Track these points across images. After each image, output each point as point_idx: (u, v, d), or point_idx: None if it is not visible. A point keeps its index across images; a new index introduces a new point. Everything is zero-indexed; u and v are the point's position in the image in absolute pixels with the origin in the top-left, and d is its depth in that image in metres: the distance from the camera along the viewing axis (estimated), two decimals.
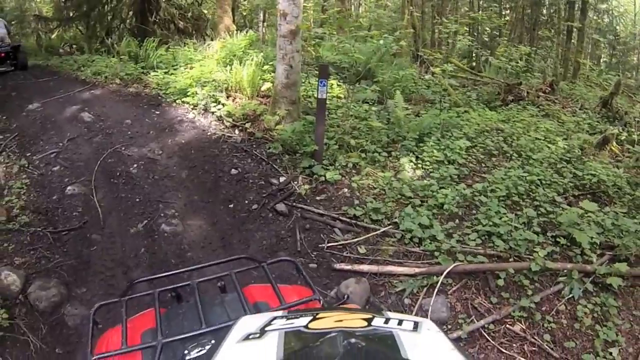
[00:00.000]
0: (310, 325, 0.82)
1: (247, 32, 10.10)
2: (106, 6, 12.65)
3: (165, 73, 8.36)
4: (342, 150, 4.95)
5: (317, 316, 0.87)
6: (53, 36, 14.05)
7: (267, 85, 6.45)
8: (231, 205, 4.57)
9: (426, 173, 4.67)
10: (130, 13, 12.87)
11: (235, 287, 1.37)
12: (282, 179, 4.79)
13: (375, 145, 5.03)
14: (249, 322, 0.89)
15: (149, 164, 5.27)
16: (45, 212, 4.57)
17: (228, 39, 9.51)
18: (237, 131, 5.93)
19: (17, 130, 6.57)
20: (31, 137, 6.25)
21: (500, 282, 3.29)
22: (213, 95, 6.58)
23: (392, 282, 3.42)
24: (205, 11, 13.73)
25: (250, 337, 0.81)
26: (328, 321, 0.84)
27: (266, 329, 0.83)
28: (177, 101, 7.03)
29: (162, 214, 4.40)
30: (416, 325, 0.84)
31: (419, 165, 4.80)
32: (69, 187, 4.83)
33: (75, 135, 6.05)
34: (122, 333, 1.24)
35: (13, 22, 14.04)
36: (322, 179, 4.61)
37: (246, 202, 4.59)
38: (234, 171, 5.07)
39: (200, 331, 1.17)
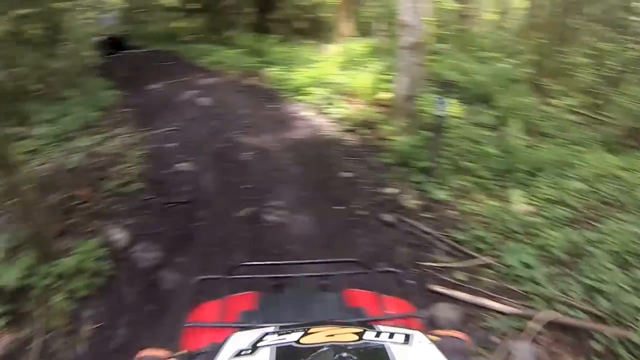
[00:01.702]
0: (301, 341, 0.93)
1: (368, 39, 11.14)
2: (228, 0, 14.99)
3: (283, 70, 9.44)
4: (453, 172, 5.36)
5: (309, 331, 0.98)
6: (178, 25, 16.86)
7: (385, 94, 7.09)
8: (340, 207, 5.02)
9: (535, 209, 4.86)
10: (251, 10, 14.95)
11: (341, 288, 1.57)
12: (392, 190, 5.26)
13: (487, 172, 5.36)
14: (241, 339, 1.01)
15: (262, 155, 6.03)
16: (158, 182, 5.56)
17: (348, 43, 10.65)
18: (351, 135, 6.61)
19: (139, 107, 8.04)
20: (151, 113, 7.61)
21: (597, 347, 3.25)
22: (330, 97, 7.41)
23: (484, 316, 3.63)
24: (326, 14, 15.27)
25: (242, 353, 0.92)
26: (319, 336, 0.95)
27: (258, 345, 0.94)
28: (294, 98, 7.94)
29: (268, 204, 5.00)
30: (407, 338, 0.95)
31: (529, 200, 5.00)
32: (182, 164, 5.76)
33: (192, 117, 7.17)
34: (221, 308, 1.48)
35: (141, 10, 17.34)
36: (432, 196, 5.05)
37: (354, 206, 5.03)
38: (346, 174, 5.62)
39: (297, 324, 1.30)
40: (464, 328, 3.55)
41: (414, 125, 6.09)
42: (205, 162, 5.85)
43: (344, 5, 12.39)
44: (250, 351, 0.92)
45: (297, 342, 0.93)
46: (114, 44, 13.03)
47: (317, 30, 14.71)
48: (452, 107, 6.83)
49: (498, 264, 4.11)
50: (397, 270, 1.71)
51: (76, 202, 5.13)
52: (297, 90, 8.08)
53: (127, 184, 5.42)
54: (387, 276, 1.62)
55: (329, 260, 1.80)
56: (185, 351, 1.14)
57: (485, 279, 3.99)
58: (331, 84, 7.88)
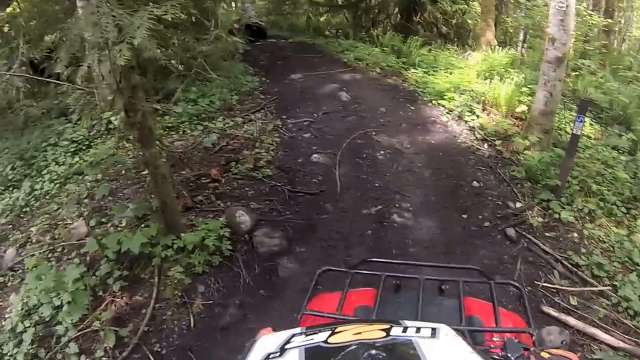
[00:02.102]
0: (329, 340, 0.96)
1: (508, 49, 10.77)
2: (374, 0, 15.18)
3: (425, 72, 9.41)
4: (581, 193, 5.34)
5: (336, 330, 1.01)
6: (321, 19, 17.55)
7: (522, 107, 6.94)
8: (464, 216, 5.03)
9: None
10: (396, 10, 14.91)
11: (459, 295, 1.59)
12: (518, 205, 5.24)
13: (616, 198, 5.32)
14: (268, 341, 1.03)
15: (395, 155, 6.02)
16: (288, 171, 5.82)
17: (489, 52, 10.48)
18: (485, 145, 6.40)
19: (278, 95, 8.51)
20: (289, 103, 8.00)
21: None
22: (469, 104, 7.23)
23: (592, 346, 3.63)
24: (469, 21, 15.04)
25: (271, 356, 0.93)
26: (347, 335, 0.98)
27: (286, 347, 0.97)
28: (433, 102, 7.78)
29: (396, 205, 5.05)
30: (434, 332, 0.97)
31: None
32: (314, 155, 5.97)
33: (330, 110, 7.37)
34: (340, 301, 1.55)
35: (287, 2, 18.40)
36: (556, 216, 5.02)
37: (479, 217, 5.03)
38: (475, 184, 5.53)
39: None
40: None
41: (548, 142, 6.11)
42: (337, 156, 5.97)
43: (488, 13, 12.22)
44: (278, 354, 0.94)
45: (325, 342, 0.95)
46: (255, 33, 13.81)
47: (460, 36, 14.61)
48: (588, 127, 7.03)
49: (614, 295, 4.10)
50: (517, 284, 1.74)
51: (207, 180, 5.56)
52: (437, 94, 7.94)
53: (258, 169, 5.73)
54: (506, 289, 1.75)
55: (451, 265, 1.91)
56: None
57: (598, 308, 3.99)
58: (470, 91, 7.77)
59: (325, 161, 5.94)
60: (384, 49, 11.22)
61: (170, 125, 6.92)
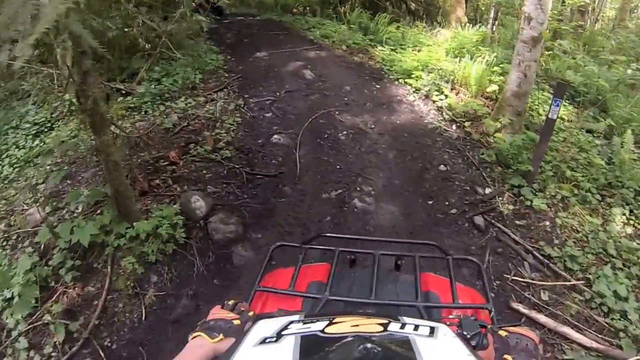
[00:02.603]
0: (326, 330, 0.94)
1: (479, 27, 10.59)
2: None
3: (392, 50, 9.13)
4: (554, 179, 5.15)
5: (334, 321, 0.99)
6: None
7: (493, 87, 6.66)
8: (430, 202, 4.81)
9: (637, 233, 4.60)
10: None
11: (415, 270, 1.56)
12: (487, 191, 5.02)
13: (591, 184, 5.13)
14: (266, 326, 1.04)
15: (359, 135, 5.78)
16: (247, 152, 5.54)
17: (459, 30, 10.23)
18: (454, 127, 6.18)
19: (242, 73, 8.14)
20: (252, 81, 7.65)
21: None
22: (438, 84, 6.98)
23: (563, 345, 3.49)
24: None
25: (267, 341, 0.93)
26: (344, 326, 0.96)
27: (283, 332, 0.96)
28: (400, 80, 7.54)
29: (358, 188, 4.83)
30: (432, 331, 0.96)
31: (632, 222, 4.78)
32: (275, 136, 5.70)
33: (293, 89, 7.06)
34: (293, 277, 1.54)
35: None
36: (528, 203, 4.82)
37: (446, 203, 4.83)
38: (442, 167, 5.30)
39: (367, 301, 1.38)
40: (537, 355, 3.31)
41: (520, 124, 5.87)
42: (298, 137, 5.71)
43: None
44: (275, 339, 0.93)
45: (322, 331, 0.94)
46: (213, 11, 13.34)
47: (429, 13, 14.26)
48: (563, 109, 6.62)
49: (587, 290, 3.98)
50: (475, 260, 1.68)
51: (165, 163, 5.28)
52: (404, 73, 7.68)
53: (217, 151, 5.47)
54: (464, 265, 1.65)
55: (408, 240, 1.89)
56: (251, 314, 1.20)
57: (570, 304, 3.87)
58: (439, 70, 7.49)
59: (286, 142, 5.66)
60: (351, 26, 10.87)
61: (132, 105, 6.56)
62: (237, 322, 1.17)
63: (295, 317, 1.10)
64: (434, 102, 6.74)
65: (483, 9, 14.66)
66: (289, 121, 6.17)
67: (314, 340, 0.92)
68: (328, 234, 1.93)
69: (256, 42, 10.43)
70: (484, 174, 5.26)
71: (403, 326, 0.98)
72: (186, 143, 5.67)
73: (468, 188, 5.02)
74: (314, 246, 1.80)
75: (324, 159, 5.34)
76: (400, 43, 9.54)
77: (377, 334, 0.92)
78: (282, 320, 1.07)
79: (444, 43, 9.34)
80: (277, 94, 6.99)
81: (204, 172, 5.16)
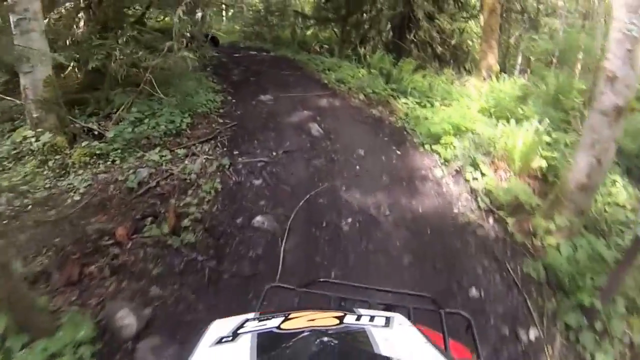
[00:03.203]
0: (282, 326, 0.95)
1: (516, 77, 9.14)
2: (365, 14, 13.36)
3: (418, 103, 7.79)
4: (629, 316, 3.49)
5: (289, 317, 1.00)
6: (308, 33, 15.87)
7: (541, 162, 5.04)
8: None
9: None
10: (389, 26, 13.25)
11: (409, 320, 1.35)
12: (532, 335, 3.38)
13: None
14: (221, 326, 1.02)
15: (367, 225, 4.32)
16: (219, 237, 4.12)
17: (493, 80, 8.83)
18: (491, 220, 4.62)
19: (238, 120, 6.82)
20: (248, 132, 6.29)
21: None
22: (472, 156, 5.47)
23: None
24: (469, 42, 13.48)
25: (223, 340, 0.92)
26: (300, 321, 0.96)
27: (239, 331, 0.95)
28: (425, 146, 6.11)
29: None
30: (388, 321, 0.99)
31: None
32: (258, 217, 4.25)
33: (294, 147, 5.70)
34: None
35: (275, 13, 16.80)
36: (588, 358, 3.26)
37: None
38: (473, 292, 3.70)
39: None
40: None
41: (580, 225, 4.19)
42: (289, 221, 4.28)
43: (491, 33, 10.48)
44: (231, 338, 0.92)
45: (278, 327, 0.93)
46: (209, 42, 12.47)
47: (456, 58, 13.04)
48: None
49: None
50: (465, 315, 1.51)
51: (109, 242, 3.96)
52: (431, 136, 6.20)
53: (176, 233, 4.09)
54: (456, 320, 1.45)
55: (403, 291, 1.74)
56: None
57: None
58: (474, 135, 5.95)
59: (271, 227, 4.22)
60: (372, 71, 9.56)
61: (99, 152, 5.24)
62: None
63: (251, 315, 1.06)
64: (466, 181, 5.24)
65: (514, 55, 13.36)
66: (281, 195, 4.74)
67: (271, 336, 0.90)
68: (325, 279, 1.82)
69: (263, 82, 9.22)
70: (529, 303, 3.66)
71: (359, 318, 0.98)
72: (143, 215, 4.31)
73: (507, 331, 3.40)
74: (310, 290, 1.63)
75: (316, 259, 3.85)
76: (427, 95, 8.16)
77: (333, 327, 0.91)
78: (238, 319, 1.03)
79: (478, 98, 7.93)
80: (274, 153, 5.60)
81: (154, 263, 3.77)
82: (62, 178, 4.95)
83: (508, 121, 5.82)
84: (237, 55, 13.01)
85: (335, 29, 14.10)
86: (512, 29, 13.95)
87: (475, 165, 5.33)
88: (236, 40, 16.69)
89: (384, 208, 4.60)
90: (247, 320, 1.02)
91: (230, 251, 3.96)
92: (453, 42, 13.06)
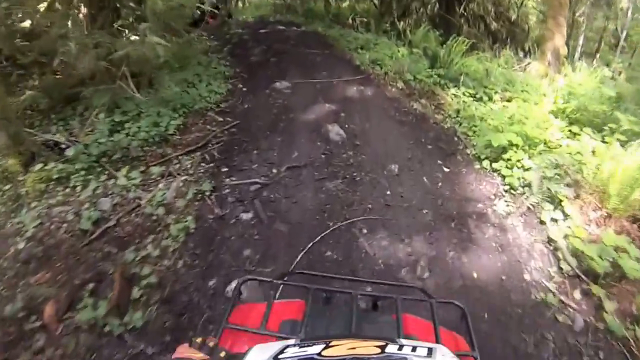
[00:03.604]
0: (323, 353, 0.92)
1: (597, 67, 7.24)
2: None
3: (472, 96, 6.08)
4: None
5: (330, 344, 0.96)
6: (343, 5, 14.06)
7: None
8: None
9: None
10: None
11: (397, 312, 1.35)
12: None
13: None
14: (261, 351, 0.98)
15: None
16: (181, 312, 2.83)
17: (567, 70, 7.10)
18: (577, 294, 2.97)
19: (241, 119, 5.38)
20: (248, 137, 4.84)
21: None
22: (548, 182, 3.69)
23: None
24: (530, 17, 11.35)
25: None
26: (341, 349, 0.93)
27: (279, 356, 0.92)
28: (484, 161, 4.41)
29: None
30: (430, 352, 0.94)
31: None
32: (232, 283, 2.91)
33: (303, 161, 4.21)
34: (265, 315, 1.32)
35: None
36: None
37: None
38: None
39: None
40: None
41: None
42: (277, 291, 2.85)
43: (559, 8, 8.37)
44: None
45: (319, 354, 0.91)
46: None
47: (513, 37, 10.98)
48: None
49: None
50: (460, 305, 1.42)
51: (35, 324, 2.77)
52: (491, 148, 4.47)
53: (127, 306, 2.85)
54: (449, 310, 1.36)
55: (389, 282, 1.59)
56: (223, 354, 1.06)
57: None
58: (550, 149, 4.24)
59: (254, 296, 2.80)
60: (414, 50, 7.83)
61: (59, 175, 4.02)
62: None
63: (292, 341, 1.03)
64: (541, 222, 3.56)
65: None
66: (275, 240, 3.29)
67: None
68: (303, 271, 1.65)
69: (285, 64, 7.75)
70: None
71: (401, 348, 0.94)
72: (82, 281, 3.05)
73: None
74: (287, 282, 1.50)
75: None
76: (483, 84, 6.39)
77: (374, 356, 0.89)
78: (278, 345, 0.99)
79: (549, 92, 6.13)
80: (275, 170, 4.13)
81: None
82: (14, 214, 3.75)
83: (597, 133, 4.09)
84: (262, 31, 11.50)
85: (375, 1, 12.26)
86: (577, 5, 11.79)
87: (554, 201, 3.63)
88: (266, 14, 15.11)
89: (421, 267, 3.05)
90: (288, 346, 0.97)
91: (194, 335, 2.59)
92: (513, 16, 11.02)
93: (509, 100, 5.83)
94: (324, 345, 0.95)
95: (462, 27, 10.32)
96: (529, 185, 3.79)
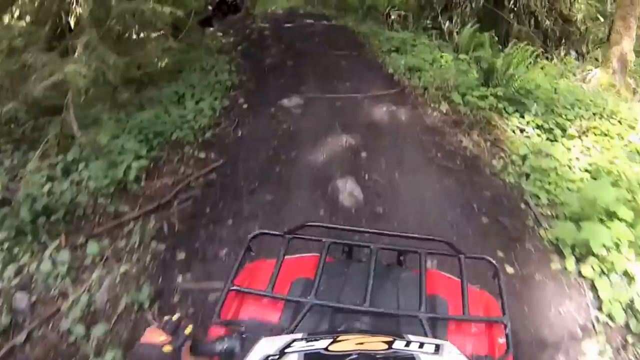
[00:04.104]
0: (330, 348, 0.87)
1: None
2: None
3: (541, 129, 4.39)
4: None
5: (338, 339, 0.92)
6: None
7: None
8: None
9: None
10: None
11: (420, 269, 1.21)
12: None
13: None
14: (268, 344, 0.94)
15: None
16: None
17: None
18: None
19: (228, 156, 4.02)
20: (230, 191, 3.45)
21: None
22: None
23: None
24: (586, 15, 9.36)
25: (270, 358, 0.85)
26: (349, 344, 0.89)
27: (286, 350, 0.88)
28: (568, 259, 2.75)
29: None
30: (438, 348, 0.89)
31: None
32: None
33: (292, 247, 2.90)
34: (273, 275, 1.21)
35: None
36: None
37: None
38: None
39: (360, 308, 1.10)
40: None
41: None
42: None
43: (630, 7, 6.67)
44: (278, 356, 0.85)
45: (326, 349, 0.86)
46: (229, 8, 9.92)
47: (567, 37, 9.08)
48: None
49: None
50: (493, 261, 1.26)
51: None
52: (576, 235, 2.80)
53: None
54: (479, 265, 1.22)
55: (413, 235, 1.29)
56: (189, 330, 0.96)
57: None
58: None
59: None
60: (460, 57, 6.19)
61: None
62: (167, 348, 0.91)
63: (298, 335, 0.97)
64: None
65: None
66: None
67: (318, 358, 0.84)
68: (317, 223, 1.39)
69: (303, 69, 6.42)
70: None
71: (408, 344, 0.89)
72: None
73: None
74: (300, 236, 1.32)
75: None
76: (553, 108, 4.71)
77: (381, 352, 0.84)
78: (285, 339, 0.93)
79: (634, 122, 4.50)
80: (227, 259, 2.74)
81: None
82: None
83: None
84: (287, 25, 10.08)
85: None
86: None
87: None
88: (297, 5, 13.57)
89: None
90: (295, 340, 0.92)
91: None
92: (568, 13, 9.10)
93: (584, 133, 4.21)
94: (332, 340, 0.89)
95: (511, 24, 8.52)
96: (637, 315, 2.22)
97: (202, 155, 4.06)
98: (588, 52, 8.74)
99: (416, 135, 4.23)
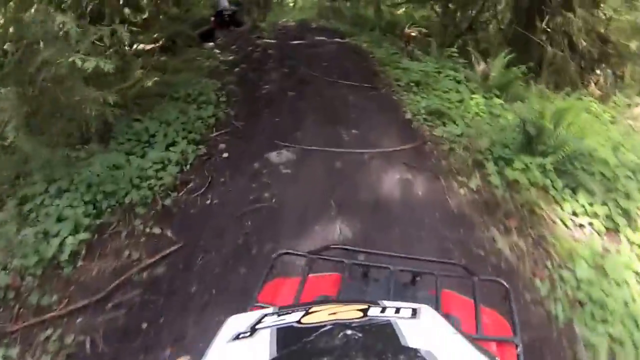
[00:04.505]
0: (303, 320, 0.86)
1: None
2: None
3: (609, 220, 3.24)
4: None
5: (310, 310, 0.90)
6: (398, 12, 11.22)
7: None
8: None
9: None
10: (509, 13, 8.33)
11: (437, 289, 1.26)
12: None
13: None
14: (238, 321, 0.92)
15: None
16: None
17: None
18: None
19: (189, 236, 3.03)
20: (170, 306, 2.51)
21: None
22: None
23: None
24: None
25: (241, 336, 0.83)
26: (322, 315, 0.87)
27: (257, 326, 0.86)
28: None
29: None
30: (414, 312, 0.89)
31: None
32: None
33: None
34: (298, 290, 1.25)
35: None
36: None
37: None
38: None
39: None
40: None
41: None
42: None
43: None
44: (249, 333, 0.82)
45: (298, 322, 0.84)
46: (229, 21, 9.02)
47: (607, 59, 7.82)
48: None
49: None
50: (504, 283, 1.27)
51: None
52: None
53: None
54: (491, 287, 1.25)
55: (429, 258, 1.42)
56: None
57: None
58: None
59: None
60: (490, 96, 5.15)
61: None
62: None
63: (269, 310, 0.95)
64: None
65: None
66: None
67: (291, 331, 0.81)
68: (339, 246, 1.63)
69: (301, 107, 5.47)
70: None
71: (383, 310, 0.87)
72: None
73: None
74: (322, 256, 1.42)
75: None
76: (613, 177, 3.58)
77: (356, 320, 0.81)
78: (255, 314, 0.91)
79: None
80: None
81: None
82: None
83: None
84: (296, 42, 9.07)
85: (435, 8, 9.40)
86: None
87: None
88: (308, 18, 12.57)
89: None
90: (266, 315, 0.89)
91: None
92: (604, 30, 7.93)
93: None
94: (304, 312, 0.87)
95: (544, 47, 7.39)
96: None
97: (157, 230, 3.09)
98: (626, 78, 7.69)
99: (435, 226, 3.15)
